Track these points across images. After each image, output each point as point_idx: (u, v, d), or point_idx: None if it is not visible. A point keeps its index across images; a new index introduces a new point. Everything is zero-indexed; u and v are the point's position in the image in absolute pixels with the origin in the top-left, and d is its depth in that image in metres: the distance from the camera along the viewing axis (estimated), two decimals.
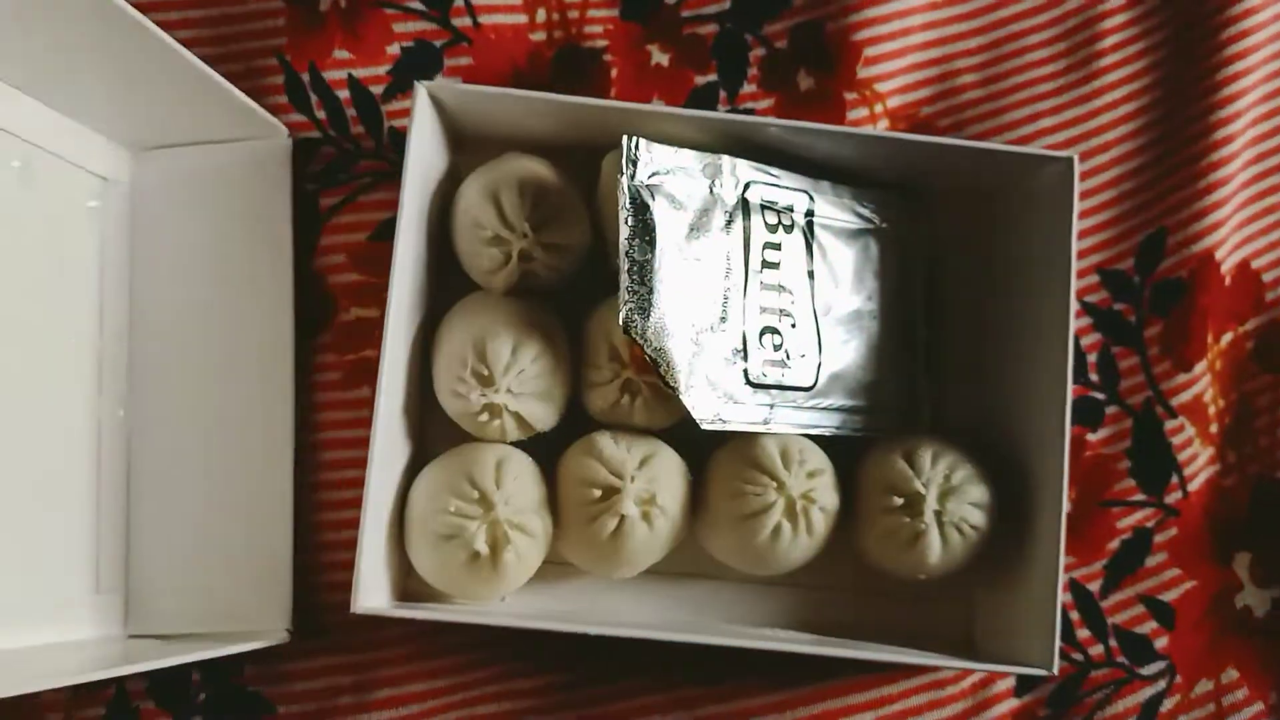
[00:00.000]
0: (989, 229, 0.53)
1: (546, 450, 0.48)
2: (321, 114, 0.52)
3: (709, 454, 0.49)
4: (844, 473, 0.49)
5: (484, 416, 0.46)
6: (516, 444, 0.48)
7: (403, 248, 0.45)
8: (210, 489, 0.49)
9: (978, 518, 0.47)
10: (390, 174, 0.51)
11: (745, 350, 0.46)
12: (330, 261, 0.51)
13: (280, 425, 0.49)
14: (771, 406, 0.47)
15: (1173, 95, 0.55)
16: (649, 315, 0.44)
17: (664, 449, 0.47)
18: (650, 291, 0.44)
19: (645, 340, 0.44)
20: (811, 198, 0.49)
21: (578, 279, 0.49)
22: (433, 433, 0.50)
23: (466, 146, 0.51)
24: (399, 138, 0.52)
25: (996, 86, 0.55)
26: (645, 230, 0.44)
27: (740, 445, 0.47)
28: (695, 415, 0.45)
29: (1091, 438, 0.54)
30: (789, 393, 0.48)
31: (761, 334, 0.47)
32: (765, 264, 0.48)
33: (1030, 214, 0.50)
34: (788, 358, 0.48)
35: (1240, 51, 0.54)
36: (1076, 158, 0.47)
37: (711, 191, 0.46)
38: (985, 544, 0.47)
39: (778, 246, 0.48)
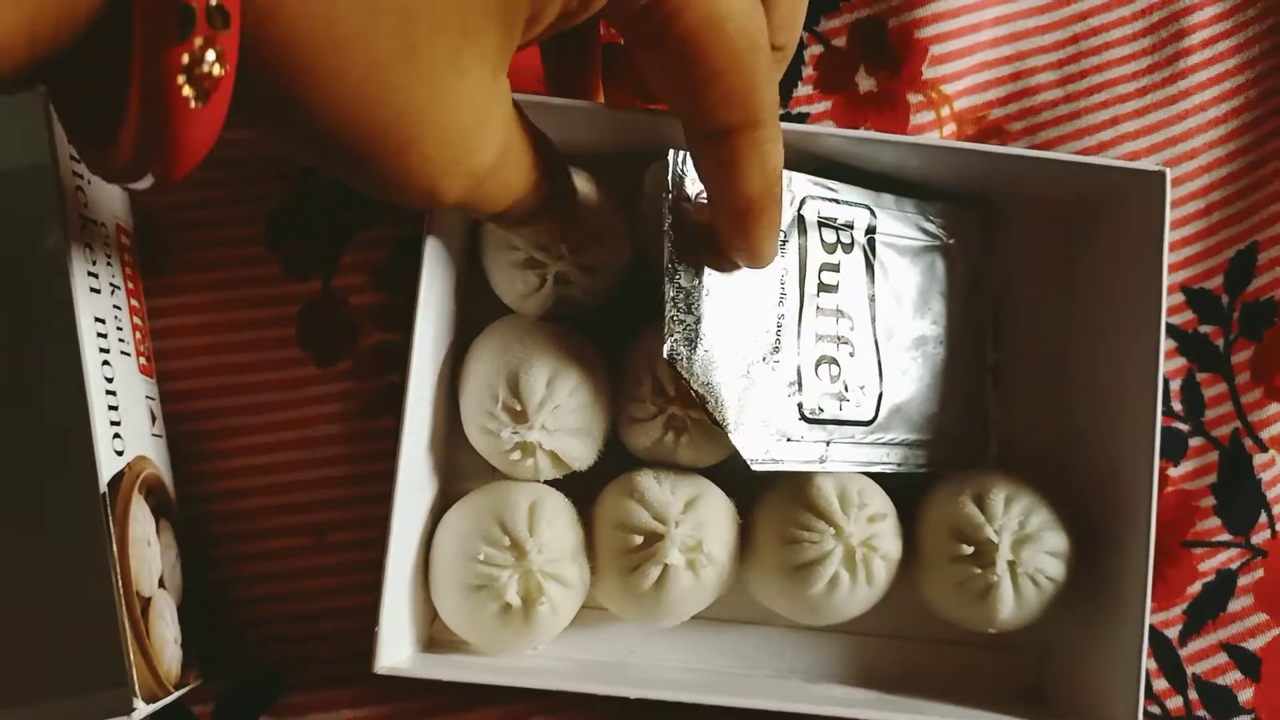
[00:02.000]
0: (1066, 245, 0.49)
1: (583, 486, 0.44)
2: None
3: (759, 492, 0.45)
4: (904, 513, 0.45)
5: (516, 455, 0.43)
6: (549, 482, 0.44)
7: (429, 266, 0.41)
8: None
9: (1055, 568, 0.43)
10: None
11: (800, 382, 0.43)
12: (350, 281, 0.47)
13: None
14: (828, 443, 0.43)
15: (1266, 98, 0.50)
16: (696, 347, 0.40)
17: (711, 490, 0.43)
18: (697, 320, 0.40)
19: (692, 375, 0.40)
20: (873, 213, 0.45)
21: (618, 302, 0.45)
22: (460, 468, 0.46)
23: None
24: None
25: (1074, 87, 0.50)
26: (690, 253, 0.40)
27: (793, 485, 0.44)
28: (745, 455, 0.41)
29: (1173, 472, 0.49)
30: (847, 427, 0.44)
31: (818, 364, 0.43)
32: (822, 287, 0.44)
33: (1114, 230, 0.46)
34: (846, 389, 0.44)
35: None
36: (1169, 172, 0.43)
37: None
38: (1063, 595, 0.43)
39: (836, 267, 0.44)
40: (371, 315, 0.47)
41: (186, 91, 0.23)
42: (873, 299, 0.45)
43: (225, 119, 0.25)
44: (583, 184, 0.43)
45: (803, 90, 0.50)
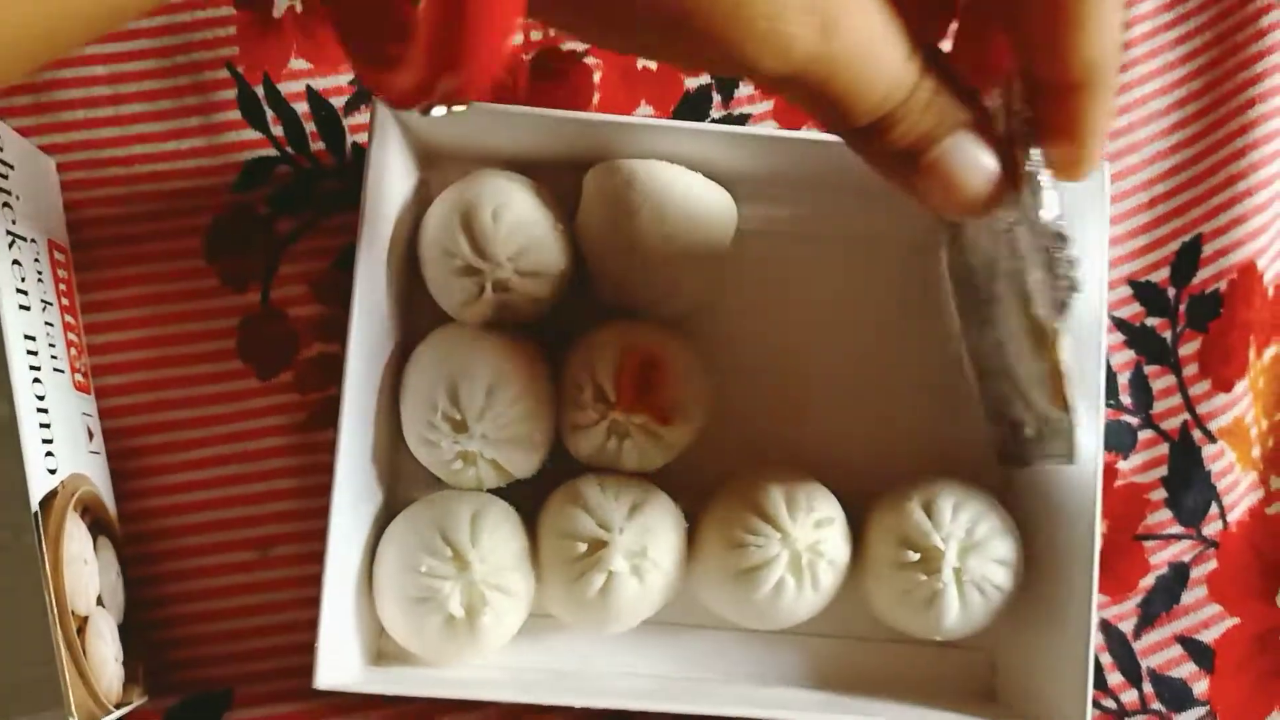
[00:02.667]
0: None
1: (530, 495, 0.44)
2: (278, 130, 0.47)
3: (707, 496, 0.45)
4: (854, 518, 0.44)
5: (458, 464, 0.42)
6: (494, 490, 0.44)
7: (363, 277, 0.41)
8: None
9: (1002, 576, 0.43)
10: (355, 195, 0.46)
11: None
12: (289, 292, 0.47)
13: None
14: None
15: (1208, 90, 0.50)
16: None
17: (656, 495, 0.43)
18: None
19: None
20: None
21: (560, 309, 0.45)
22: (406, 478, 0.45)
23: (436, 164, 0.47)
24: (363, 155, 0.47)
25: None
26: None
27: (742, 489, 0.43)
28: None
29: (1123, 465, 0.49)
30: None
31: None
32: None
33: None
34: None
35: None
36: (1107, 164, 0.42)
37: None
38: (1009, 603, 0.43)
39: None
40: (312, 327, 0.47)
41: None
42: None
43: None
44: (521, 189, 0.43)
45: (744, 90, 0.49)
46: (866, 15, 0.27)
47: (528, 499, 0.44)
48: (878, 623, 0.46)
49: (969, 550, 0.42)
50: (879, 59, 0.28)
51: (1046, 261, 0.35)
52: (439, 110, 0.25)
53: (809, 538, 0.42)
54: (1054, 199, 0.33)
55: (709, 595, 0.44)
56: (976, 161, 0.30)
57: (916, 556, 0.42)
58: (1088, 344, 0.43)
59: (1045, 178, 0.33)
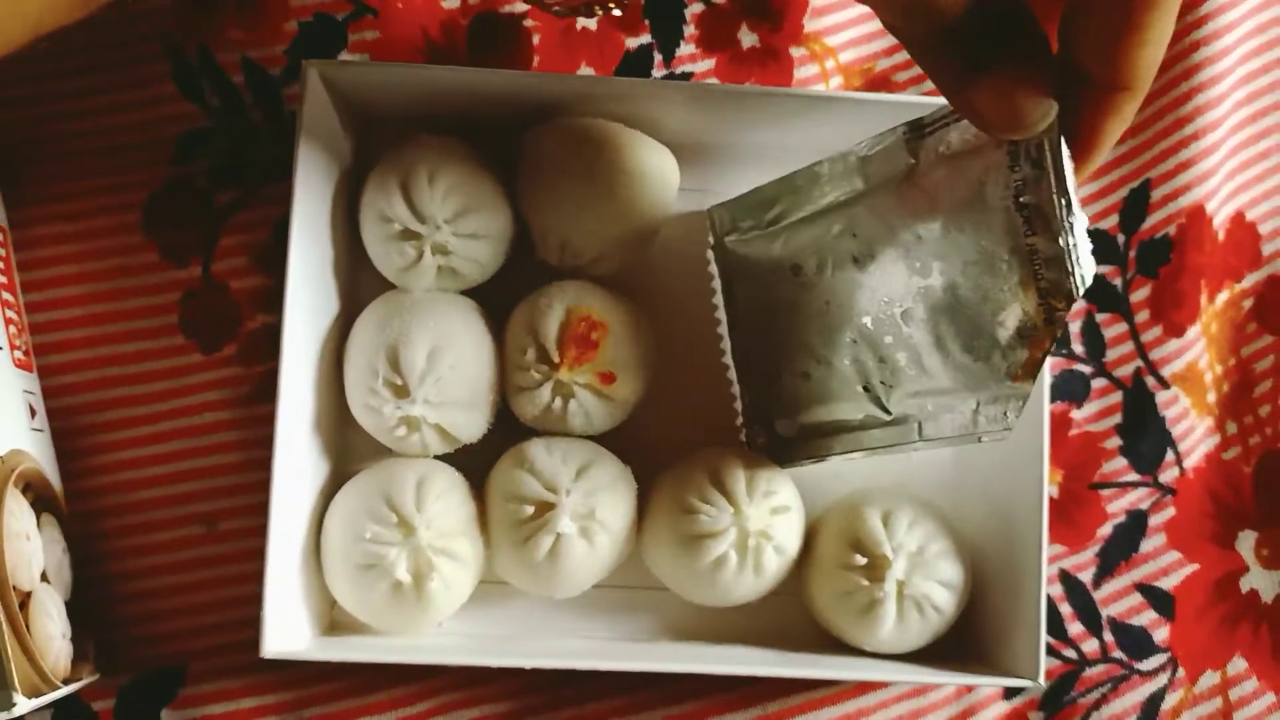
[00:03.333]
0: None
1: (479, 460, 0.44)
2: (215, 101, 0.47)
3: (660, 463, 0.45)
4: (814, 514, 0.45)
5: (401, 430, 0.42)
6: (448, 457, 0.43)
7: (298, 244, 0.41)
8: None
9: (943, 599, 0.43)
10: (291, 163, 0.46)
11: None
12: (231, 265, 0.47)
13: None
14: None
15: None
16: None
17: (605, 456, 0.43)
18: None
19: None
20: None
21: (502, 272, 0.44)
22: (353, 448, 0.45)
23: (372, 130, 0.46)
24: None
25: None
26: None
27: (707, 458, 0.43)
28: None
29: (1077, 414, 0.49)
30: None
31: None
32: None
33: None
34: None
35: None
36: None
37: None
38: (945, 629, 0.43)
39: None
40: (253, 299, 0.47)
41: None
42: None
43: None
44: (458, 152, 0.43)
45: (685, 49, 0.49)
46: None
47: (478, 466, 0.44)
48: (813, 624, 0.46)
49: (916, 567, 0.42)
50: None
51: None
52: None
53: (762, 520, 0.42)
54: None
55: (653, 558, 0.44)
56: (1030, 77, 0.31)
57: (863, 561, 0.42)
58: None
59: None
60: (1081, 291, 0.34)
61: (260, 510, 0.44)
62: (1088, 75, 0.31)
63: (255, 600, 0.45)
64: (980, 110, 0.31)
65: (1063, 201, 0.33)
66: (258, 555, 0.45)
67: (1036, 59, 0.31)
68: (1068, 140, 0.32)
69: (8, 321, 0.43)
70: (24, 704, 0.38)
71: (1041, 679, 0.41)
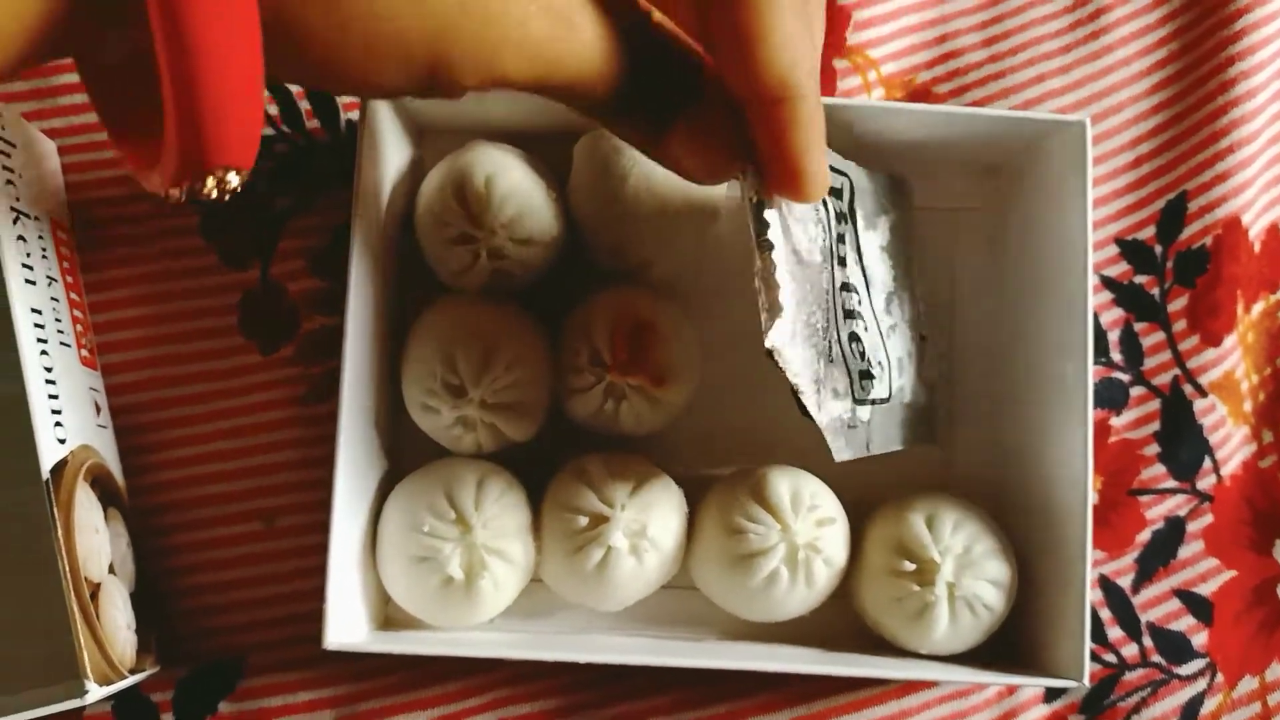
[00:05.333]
0: (995, 205, 0.49)
1: (531, 461, 0.45)
2: (273, 108, 0.48)
3: (708, 478, 0.46)
4: (855, 523, 0.45)
5: (457, 430, 0.43)
6: (501, 457, 0.44)
7: (359, 249, 0.42)
8: None
9: (993, 597, 0.43)
10: (350, 171, 0.47)
11: (847, 365, 0.40)
12: (288, 268, 0.48)
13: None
14: (869, 423, 0.42)
15: (1189, 48, 0.51)
16: (786, 337, 0.36)
17: (660, 477, 0.44)
18: (780, 310, 0.35)
19: (788, 368, 0.36)
20: (852, 181, 0.44)
21: (554, 275, 0.46)
22: (409, 449, 0.46)
23: (429, 138, 0.48)
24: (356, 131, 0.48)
25: (999, 47, 0.51)
26: (763, 237, 0.36)
27: (748, 477, 0.44)
28: (834, 453, 0.39)
29: (1116, 422, 0.50)
30: (877, 407, 0.42)
31: (850, 341, 0.41)
32: (839, 259, 0.42)
33: (1040, 185, 0.46)
34: (870, 366, 0.42)
35: None
36: (1089, 121, 0.43)
37: None
38: (997, 626, 0.44)
39: (843, 239, 0.42)
40: (311, 301, 0.48)
41: None
42: (864, 272, 0.44)
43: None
44: (512, 159, 0.44)
45: None
46: (588, 3, 0.29)
47: (529, 467, 0.45)
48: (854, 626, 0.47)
49: (965, 568, 0.43)
50: (609, 42, 0.30)
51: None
52: (211, 185, 0.25)
53: (809, 534, 0.42)
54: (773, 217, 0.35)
55: (703, 579, 0.45)
56: (712, 128, 0.32)
57: (912, 566, 0.43)
58: (1074, 302, 0.44)
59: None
60: (768, 317, 0.35)
61: (316, 507, 0.46)
62: (744, 99, 0.31)
63: (312, 595, 0.46)
64: (677, 165, 0.33)
65: (755, 229, 0.34)
66: (314, 551, 0.46)
67: (713, 105, 0.32)
68: (771, 159, 0.32)
69: (74, 320, 0.44)
70: (95, 691, 0.39)
71: (1086, 679, 0.42)
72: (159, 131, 0.25)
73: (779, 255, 0.35)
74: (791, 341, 0.36)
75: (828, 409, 0.38)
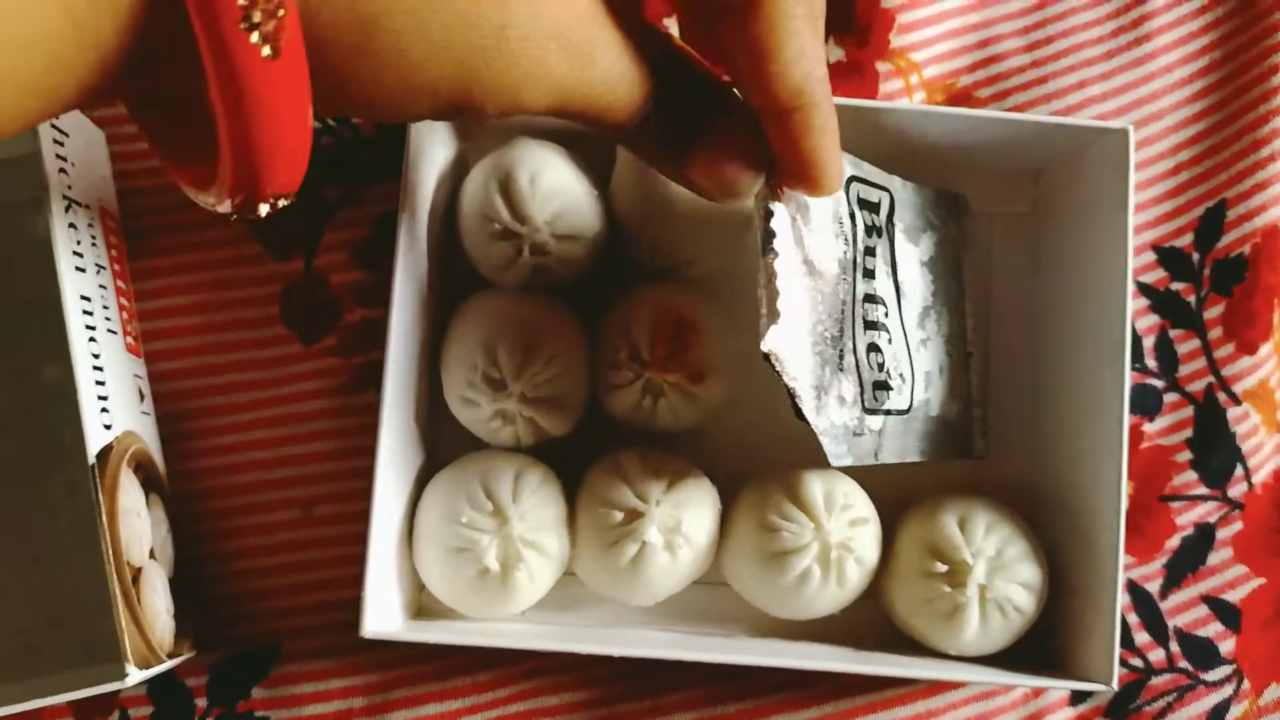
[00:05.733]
0: (1035, 211, 0.49)
1: (567, 456, 0.45)
2: None
3: (741, 476, 0.46)
4: (886, 523, 0.45)
5: (496, 423, 0.43)
6: (538, 451, 0.45)
7: (405, 243, 0.42)
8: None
9: (1024, 599, 0.43)
10: (394, 165, 0.48)
11: (859, 373, 0.41)
12: (331, 259, 0.48)
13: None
14: (880, 433, 0.42)
15: (1231, 56, 0.51)
16: (784, 340, 0.36)
17: (695, 474, 0.44)
18: (779, 313, 0.36)
19: (783, 368, 0.36)
20: (892, 196, 0.44)
21: (595, 272, 0.46)
22: (446, 441, 0.47)
23: (473, 134, 0.48)
24: (401, 126, 0.48)
25: (1041, 53, 0.51)
26: (768, 245, 0.36)
27: (782, 476, 0.44)
28: (829, 454, 0.39)
29: (1149, 428, 0.50)
30: (892, 417, 0.43)
31: (868, 351, 0.41)
32: (865, 271, 0.42)
33: (1080, 191, 0.46)
34: (889, 378, 0.43)
35: None
36: (1131, 129, 0.43)
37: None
38: (1026, 628, 0.44)
39: (873, 251, 0.43)
40: (353, 293, 0.48)
41: (254, 39, 0.23)
42: (897, 286, 0.45)
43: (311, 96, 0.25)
44: (556, 156, 0.44)
45: None
46: (609, 36, 0.30)
47: (565, 462, 0.45)
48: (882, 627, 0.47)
49: (996, 570, 0.43)
50: (631, 73, 0.31)
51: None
52: (264, 209, 0.27)
53: (842, 533, 0.43)
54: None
55: (736, 576, 0.45)
56: (731, 149, 0.33)
57: (944, 568, 0.43)
58: (1112, 308, 0.44)
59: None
60: (766, 322, 0.35)
61: (353, 497, 0.47)
62: (759, 107, 0.32)
63: (346, 584, 0.47)
64: (697, 187, 0.34)
65: (761, 238, 0.35)
66: (350, 540, 0.47)
67: (732, 127, 0.33)
68: (788, 161, 0.33)
69: (120, 308, 0.45)
70: (135, 675, 0.39)
71: (1115, 683, 0.42)
72: (206, 153, 0.26)
73: (784, 264, 0.36)
74: (791, 347, 0.36)
75: (829, 415, 0.38)
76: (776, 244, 0.35)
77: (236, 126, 0.24)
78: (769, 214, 0.35)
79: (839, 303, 0.39)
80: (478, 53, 0.27)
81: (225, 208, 0.27)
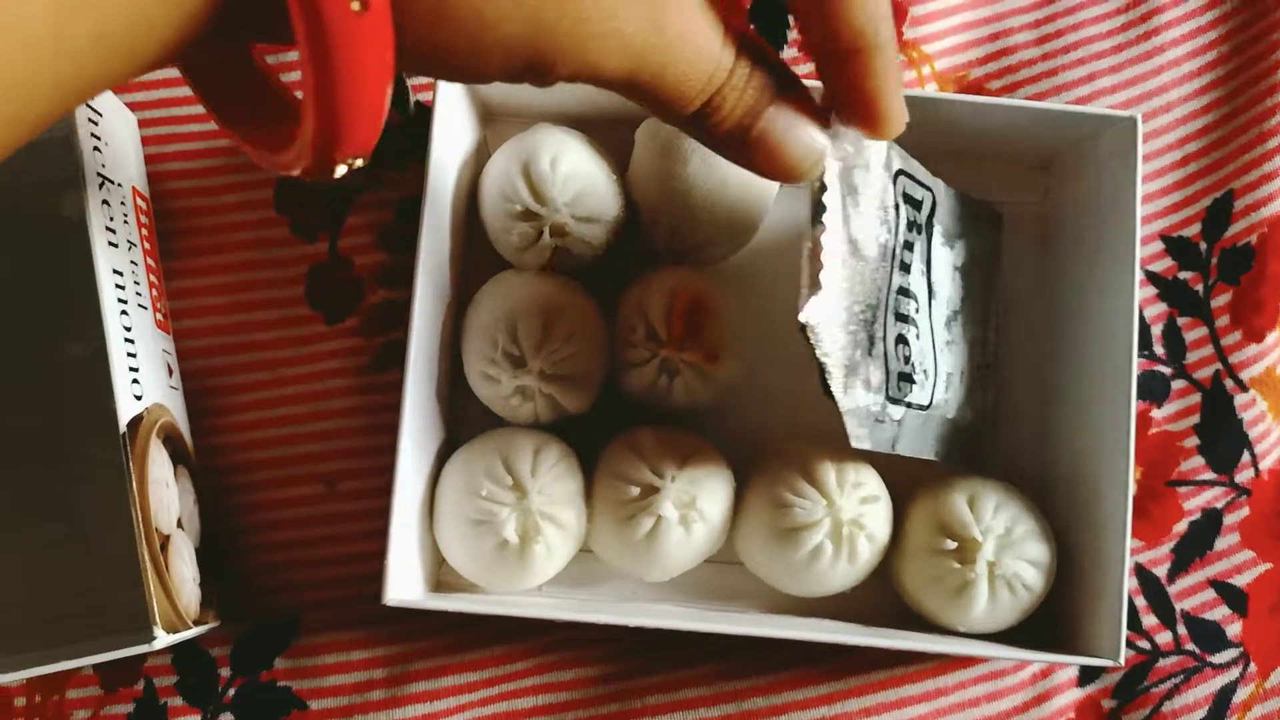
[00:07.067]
0: (1045, 199, 0.50)
1: (590, 440, 0.46)
2: None
3: (754, 455, 0.47)
4: (897, 502, 0.46)
5: (516, 400, 0.44)
6: (556, 428, 0.46)
7: (429, 225, 0.43)
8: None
9: (1032, 577, 0.44)
10: (417, 150, 0.49)
11: (886, 363, 0.41)
12: (355, 242, 0.49)
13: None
14: (900, 423, 0.43)
15: (1239, 49, 0.52)
16: (826, 316, 0.37)
17: (710, 451, 0.45)
18: (820, 289, 0.37)
19: (818, 343, 0.37)
20: (934, 196, 0.45)
21: (612, 255, 0.47)
22: (465, 419, 0.48)
23: (495, 120, 0.49)
24: (425, 111, 0.50)
25: (1051, 45, 0.52)
26: (818, 219, 0.37)
27: (795, 453, 0.45)
28: (850, 434, 0.39)
29: (1157, 414, 0.51)
30: (912, 410, 0.43)
31: (897, 342, 0.42)
32: (902, 265, 0.43)
33: (1089, 180, 0.47)
34: (914, 371, 0.43)
35: None
36: (1139, 117, 0.44)
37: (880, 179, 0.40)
38: (1035, 606, 0.45)
39: (911, 246, 0.43)
40: (376, 274, 0.49)
41: None
42: (930, 285, 0.45)
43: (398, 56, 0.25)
44: (576, 141, 0.45)
45: (787, 52, 0.52)
46: (684, 6, 0.30)
47: (588, 447, 0.46)
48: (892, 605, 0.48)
49: (1005, 547, 0.44)
50: (701, 46, 0.31)
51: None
52: (340, 170, 0.27)
53: (854, 510, 0.44)
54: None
55: (748, 551, 0.46)
56: (795, 130, 0.33)
57: (954, 545, 0.44)
58: (1121, 296, 0.45)
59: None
60: (807, 292, 0.36)
61: (377, 472, 0.48)
62: (821, 48, 0.32)
63: (368, 557, 0.48)
64: (760, 169, 0.34)
65: (813, 211, 0.36)
66: (372, 515, 0.48)
67: (794, 109, 0.33)
68: (852, 104, 0.33)
69: (150, 285, 0.46)
70: (162, 638, 0.40)
71: (1122, 659, 0.43)
72: (269, 117, 0.26)
73: (831, 238, 0.37)
74: (827, 322, 0.37)
75: (855, 396, 0.39)
76: (826, 218, 0.36)
77: (323, 82, 0.24)
78: (822, 188, 0.36)
79: (876, 289, 0.40)
80: (551, 7, 0.28)
81: (297, 171, 0.27)
